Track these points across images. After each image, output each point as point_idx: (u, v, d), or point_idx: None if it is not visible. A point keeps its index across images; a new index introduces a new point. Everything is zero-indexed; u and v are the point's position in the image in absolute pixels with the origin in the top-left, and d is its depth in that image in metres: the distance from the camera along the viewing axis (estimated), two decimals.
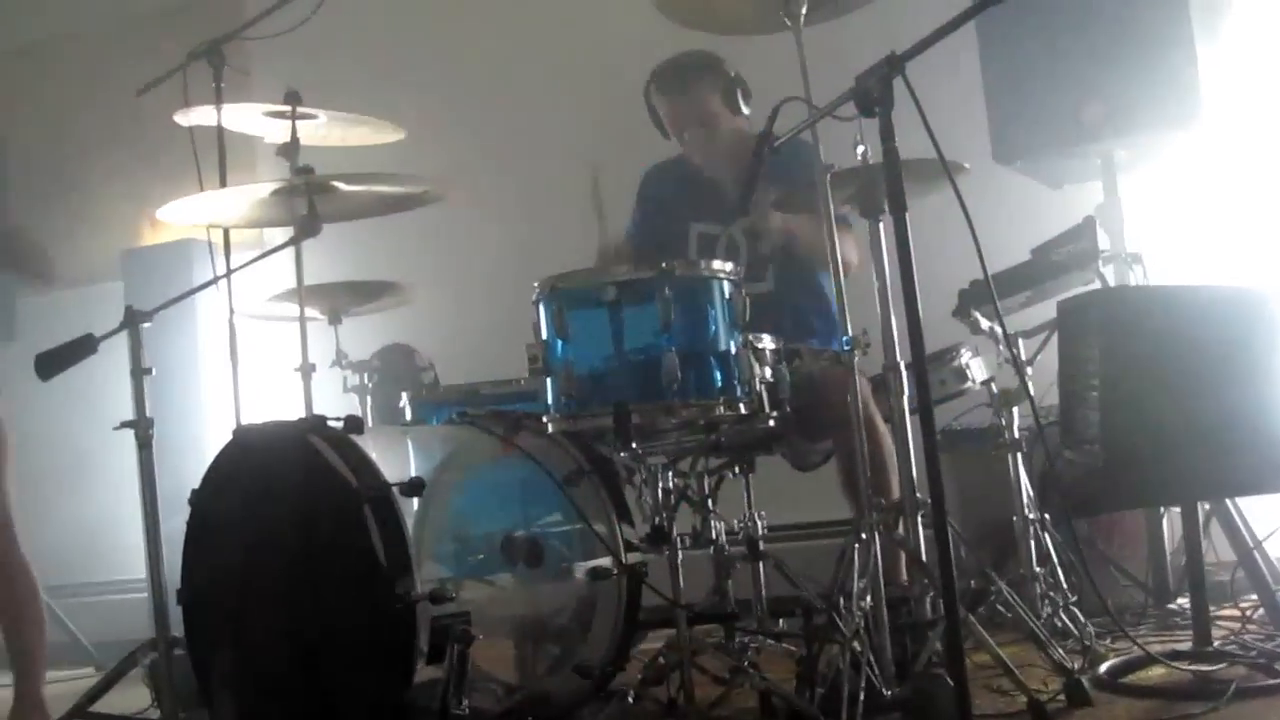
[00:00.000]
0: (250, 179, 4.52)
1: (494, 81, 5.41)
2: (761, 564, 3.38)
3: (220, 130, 3.41)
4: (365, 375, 3.97)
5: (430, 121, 5.04)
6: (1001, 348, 3.35)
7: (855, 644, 2.67)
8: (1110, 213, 3.89)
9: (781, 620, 3.32)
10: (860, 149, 3.01)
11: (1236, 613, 3.34)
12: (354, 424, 2.75)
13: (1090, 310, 3.00)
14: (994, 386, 3.49)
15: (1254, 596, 3.36)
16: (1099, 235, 3.31)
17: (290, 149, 3.50)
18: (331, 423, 2.73)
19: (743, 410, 2.77)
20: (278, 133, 3.56)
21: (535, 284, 2.83)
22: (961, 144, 4.12)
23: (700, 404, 2.72)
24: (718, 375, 2.75)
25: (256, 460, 2.78)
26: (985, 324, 3.32)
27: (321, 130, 3.60)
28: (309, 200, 3.08)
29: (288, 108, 3.45)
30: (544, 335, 2.80)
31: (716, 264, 2.78)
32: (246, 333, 3.62)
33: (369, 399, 3.95)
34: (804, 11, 2.89)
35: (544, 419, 2.84)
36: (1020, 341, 3.41)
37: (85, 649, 5.18)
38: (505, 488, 3.15)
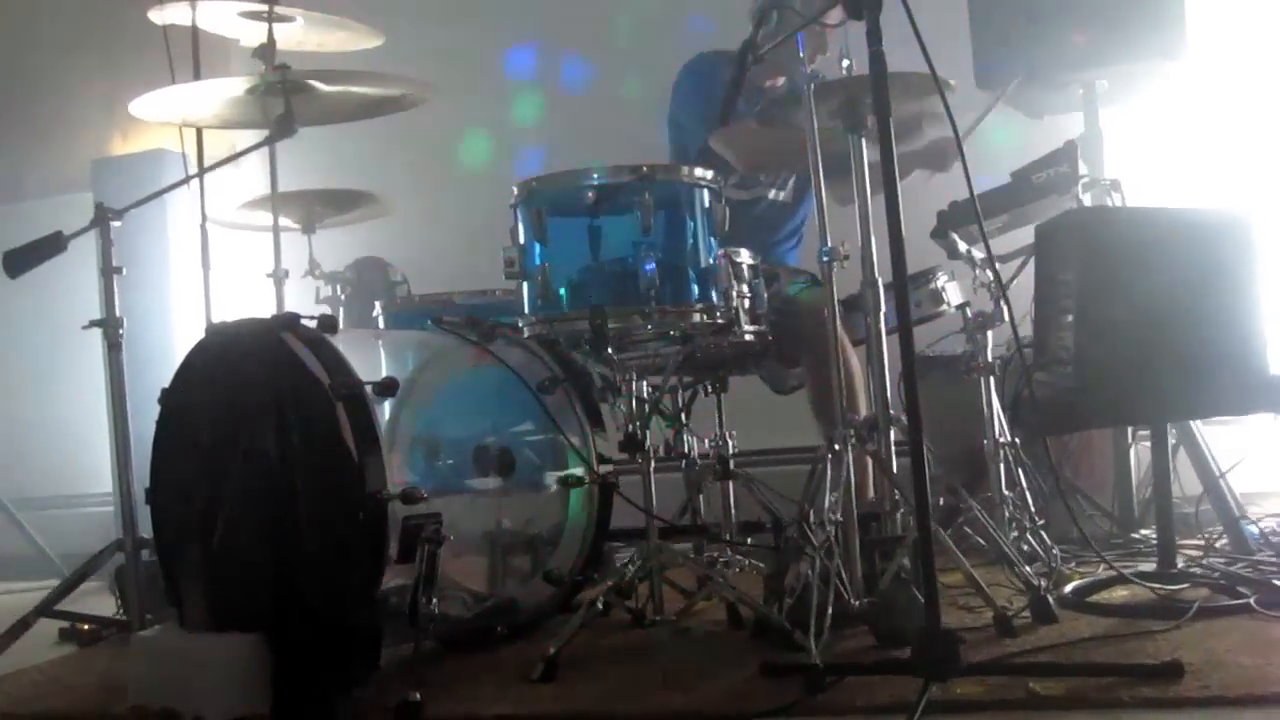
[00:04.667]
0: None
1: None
2: (732, 483, 3.41)
3: (195, 30, 3.34)
4: (338, 287, 3.94)
5: (410, 26, 4.98)
6: (978, 271, 3.35)
7: (823, 557, 2.68)
8: (1091, 143, 3.88)
9: (751, 539, 3.33)
10: (845, 62, 3.00)
11: (1201, 543, 3.40)
12: (328, 323, 2.72)
13: (1068, 230, 3.01)
14: (969, 310, 3.48)
15: (1219, 528, 3.41)
16: (1079, 161, 3.30)
17: (266, 52, 3.44)
18: (305, 321, 2.70)
19: (719, 320, 2.76)
20: (254, 34, 3.51)
21: (514, 187, 2.80)
22: (944, 70, 4.15)
23: (677, 309, 2.70)
24: (695, 284, 2.74)
25: (228, 358, 2.73)
26: (963, 246, 3.31)
27: (299, 33, 3.55)
28: (285, 99, 3.03)
29: (264, 8, 3.39)
30: (521, 239, 2.78)
31: (698, 171, 2.75)
32: (219, 238, 3.59)
33: (341, 311, 3.92)
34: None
35: (519, 324, 2.82)
36: (997, 266, 3.40)
37: (53, 562, 5.16)
38: (478, 396, 3.13)
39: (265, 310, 3.58)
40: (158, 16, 3.41)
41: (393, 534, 2.53)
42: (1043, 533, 3.28)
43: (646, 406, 2.85)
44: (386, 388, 2.64)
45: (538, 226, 2.72)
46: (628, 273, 2.65)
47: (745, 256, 2.95)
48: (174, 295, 5.02)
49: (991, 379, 3.38)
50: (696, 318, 2.73)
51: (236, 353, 2.73)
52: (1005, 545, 2.95)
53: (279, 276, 3.52)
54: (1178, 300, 2.71)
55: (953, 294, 3.51)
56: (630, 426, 2.81)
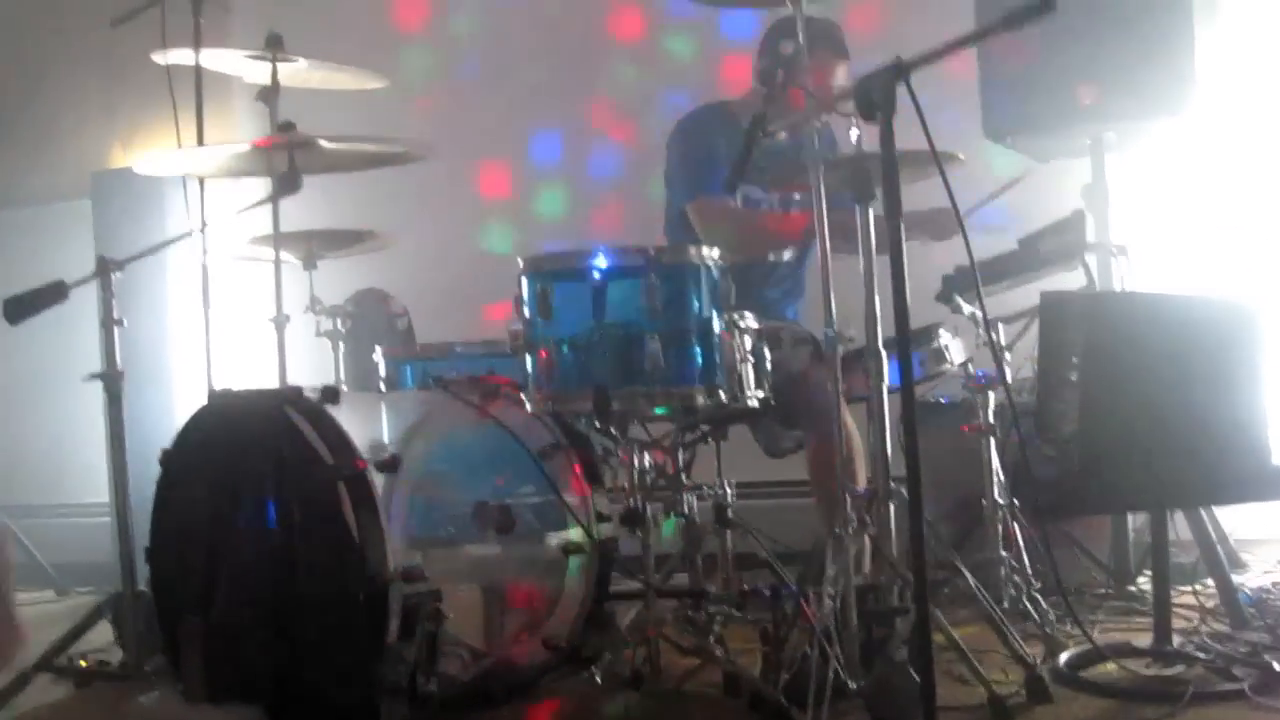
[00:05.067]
0: (227, 117, 4.44)
1: (481, 29, 5.29)
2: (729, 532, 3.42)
3: (199, 73, 3.30)
4: (338, 320, 3.92)
5: (415, 64, 4.98)
6: (981, 331, 3.35)
7: (822, 637, 2.69)
8: (1096, 193, 3.87)
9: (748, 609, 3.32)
10: (855, 133, 2.99)
11: (1196, 601, 3.41)
12: (330, 394, 2.72)
13: (1072, 310, 3.00)
14: (971, 368, 3.49)
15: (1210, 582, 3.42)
16: (1086, 230, 3.29)
17: (270, 94, 3.41)
18: (308, 392, 2.70)
19: (723, 398, 2.76)
20: (258, 74, 3.47)
21: (520, 259, 2.80)
22: (953, 114, 4.14)
23: (680, 391, 2.70)
24: (699, 362, 2.74)
25: (231, 427, 2.75)
26: (967, 309, 3.32)
27: (303, 72, 3.51)
28: (289, 157, 3.00)
29: (269, 53, 3.35)
30: (526, 312, 2.77)
31: (704, 251, 2.74)
32: (219, 275, 3.56)
33: (341, 345, 3.90)
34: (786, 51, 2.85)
35: (522, 396, 2.82)
36: (1000, 326, 3.41)
37: (45, 571, 5.17)
38: (479, 454, 3.13)
39: (266, 352, 3.62)
40: (161, 58, 3.38)
41: (393, 613, 2.54)
42: (1038, 596, 3.30)
43: (648, 478, 2.85)
44: (389, 465, 2.65)
45: (543, 303, 2.72)
46: (632, 352, 2.64)
47: (749, 321, 2.95)
48: (171, 333, 5.03)
49: (992, 439, 3.39)
50: (700, 399, 2.72)
51: (239, 423, 2.73)
52: (999, 619, 2.95)
53: (280, 321, 3.50)
54: (1182, 388, 2.71)
55: (955, 352, 3.51)
56: (631, 500, 2.80)
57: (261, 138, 3.05)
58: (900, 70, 2.24)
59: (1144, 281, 3.51)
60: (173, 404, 4.91)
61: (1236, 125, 3.95)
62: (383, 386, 3.42)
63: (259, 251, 3.81)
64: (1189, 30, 3.60)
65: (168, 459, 2.85)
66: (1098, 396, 2.77)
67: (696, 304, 2.73)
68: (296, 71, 3.47)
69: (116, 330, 3.14)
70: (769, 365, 3.02)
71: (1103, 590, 3.72)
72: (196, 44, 3.36)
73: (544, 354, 2.72)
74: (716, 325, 2.76)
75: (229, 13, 3.69)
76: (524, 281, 2.77)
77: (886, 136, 2.27)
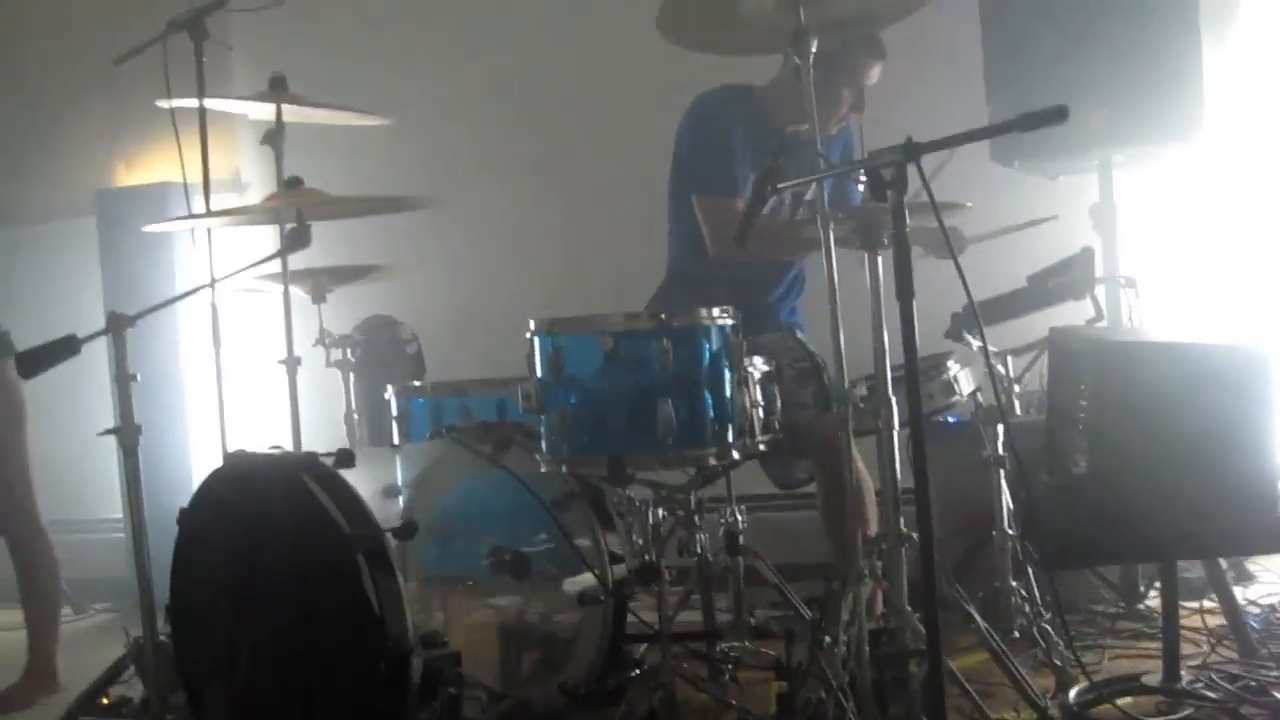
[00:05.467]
0: (230, 149, 4.42)
1: (486, 67, 5.26)
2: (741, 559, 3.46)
3: (202, 117, 3.30)
4: (348, 350, 3.92)
5: (418, 101, 4.94)
6: (988, 368, 3.37)
7: (837, 688, 2.73)
8: (1104, 213, 3.87)
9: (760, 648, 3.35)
10: (862, 186, 2.99)
11: (1203, 623, 3.44)
12: (345, 458, 2.74)
13: (1081, 347, 3.02)
14: (980, 397, 3.50)
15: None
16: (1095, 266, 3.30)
17: (275, 136, 3.41)
18: (323, 457, 2.72)
19: (735, 457, 2.78)
20: (261, 111, 3.48)
21: (531, 321, 2.81)
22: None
23: (694, 454, 2.73)
24: (712, 423, 2.75)
25: (247, 492, 2.77)
26: (976, 345, 3.33)
27: (307, 112, 3.51)
28: (298, 214, 3.01)
29: (272, 95, 3.35)
30: (538, 373, 2.79)
31: (715, 312, 2.75)
32: (229, 310, 3.56)
33: (352, 376, 3.91)
34: (813, 49, 2.82)
35: (535, 456, 2.84)
36: (1010, 358, 3.43)
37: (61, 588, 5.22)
38: (493, 501, 3.15)
39: (277, 391, 3.65)
40: (165, 104, 3.37)
41: (414, 680, 2.58)
42: (1048, 626, 3.33)
43: (662, 530, 2.88)
44: (407, 530, 2.67)
45: (555, 365, 2.73)
46: (645, 416, 2.66)
47: (758, 365, 2.96)
48: (184, 364, 5.10)
49: (1002, 471, 3.41)
50: (713, 460, 2.75)
51: (256, 488, 2.76)
52: (1009, 662, 2.99)
53: (291, 364, 3.52)
54: (1190, 438, 2.73)
55: (965, 382, 3.51)
56: (646, 556, 2.84)
57: (269, 194, 3.05)
58: (911, 152, 2.25)
59: (1152, 314, 3.51)
60: (187, 447, 5.06)
61: (1247, 150, 3.92)
62: (395, 430, 3.43)
63: (267, 286, 3.82)
64: (1198, 56, 3.59)
65: (185, 519, 2.88)
66: (1106, 447, 2.79)
67: (708, 365, 2.74)
68: (300, 110, 3.47)
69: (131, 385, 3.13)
70: (778, 403, 3.04)
71: (1112, 609, 3.76)
72: (200, 90, 3.35)
73: (556, 416, 2.73)
74: (728, 384, 2.77)
75: (231, 50, 3.65)
76: (535, 341, 2.78)
77: (899, 217, 2.29)
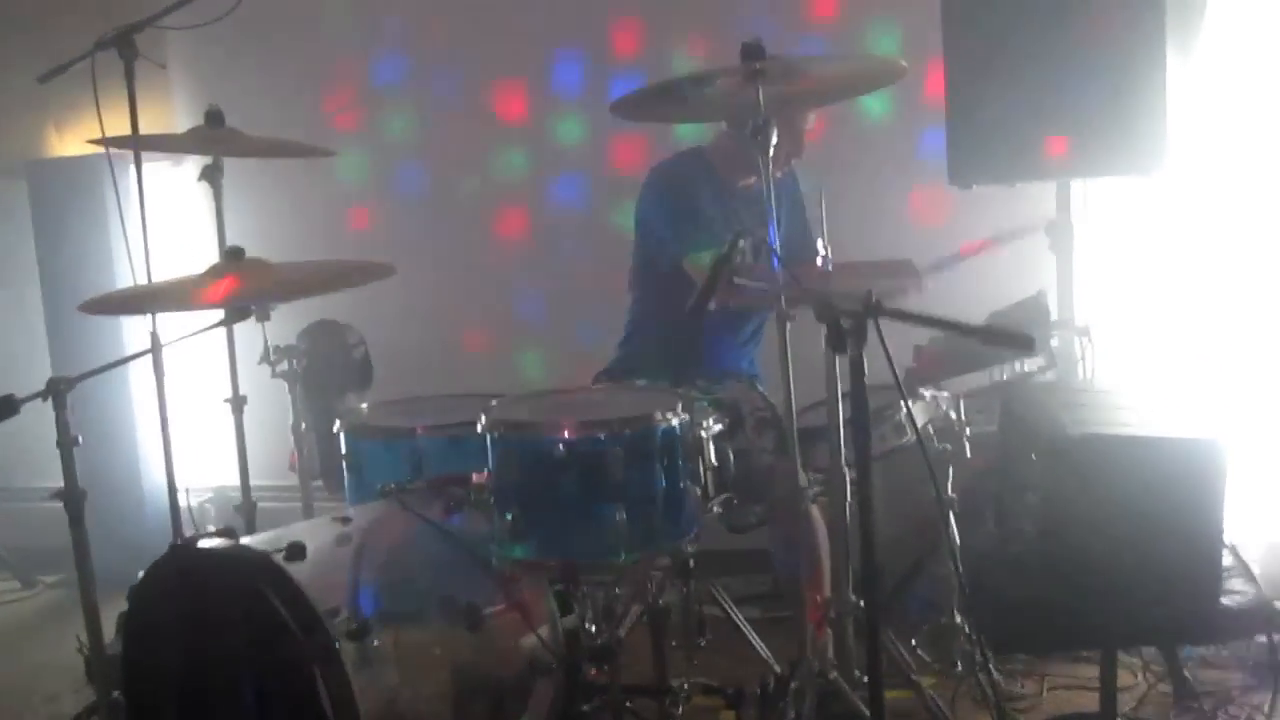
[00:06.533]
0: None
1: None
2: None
3: (138, 159, 3.15)
4: (293, 361, 3.84)
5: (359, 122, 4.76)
6: (944, 408, 3.38)
7: None
8: (1061, 231, 3.83)
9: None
10: (820, 258, 2.95)
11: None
12: (296, 551, 2.72)
13: (1034, 405, 3.05)
14: (932, 428, 3.51)
15: None
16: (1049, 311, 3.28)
17: (213, 173, 3.28)
18: (274, 555, 2.69)
19: (689, 550, 2.79)
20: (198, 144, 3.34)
21: (482, 415, 2.77)
22: (920, 153, 4.06)
23: (649, 556, 2.73)
24: (666, 523, 2.74)
25: (197, 586, 2.74)
26: (929, 394, 3.34)
27: (243, 142, 3.37)
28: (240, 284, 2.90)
29: (210, 134, 3.21)
30: (490, 466, 2.76)
31: (669, 415, 2.71)
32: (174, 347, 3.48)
33: (299, 389, 3.84)
34: (772, 148, 2.74)
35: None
36: (961, 401, 3.43)
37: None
38: (444, 558, 3.12)
39: (223, 430, 3.60)
40: (99, 145, 3.23)
41: None
42: (991, 668, 3.41)
43: (617, 611, 2.89)
44: (357, 634, 2.67)
45: (506, 467, 2.71)
46: (598, 523, 2.65)
47: (712, 426, 2.94)
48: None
49: (952, 514, 3.44)
50: (668, 560, 2.75)
51: (205, 583, 2.73)
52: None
53: (237, 403, 3.46)
54: (1140, 527, 2.76)
55: (917, 415, 3.51)
56: (600, 639, 2.86)
57: (211, 266, 2.94)
58: (872, 311, 2.20)
59: (1106, 365, 3.51)
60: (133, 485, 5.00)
61: (1209, 178, 3.87)
62: (344, 470, 3.39)
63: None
64: (1162, 87, 3.49)
65: (133, 600, 2.85)
66: (1054, 529, 2.83)
67: (662, 465, 2.71)
68: (236, 143, 3.33)
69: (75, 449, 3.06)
70: (731, 458, 3.04)
71: None
72: (134, 123, 3.19)
73: (506, 516, 2.72)
74: (682, 476, 2.76)
75: (164, 68, 3.46)
76: (489, 441, 2.74)
77: (857, 374, 2.25)
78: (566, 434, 2.63)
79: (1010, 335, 1.94)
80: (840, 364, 2.79)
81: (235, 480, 3.72)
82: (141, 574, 2.82)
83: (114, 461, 5.02)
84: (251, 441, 3.77)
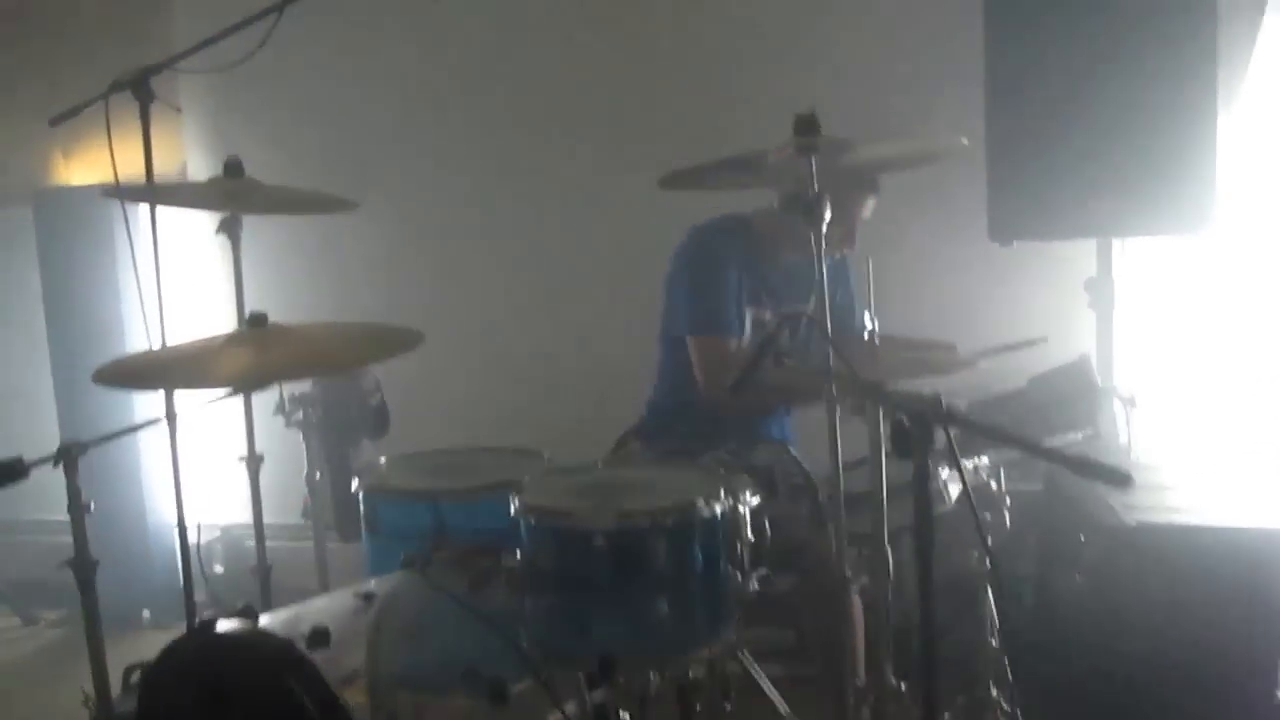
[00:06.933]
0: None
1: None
2: None
3: (153, 210, 3.02)
4: (307, 410, 3.73)
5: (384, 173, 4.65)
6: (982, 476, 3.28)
7: None
8: (1102, 288, 3.73)
9: None
10: (867, 331, 2.85)
11: None
12: (319, 638, 2.61)
13: (1081, 512, 2.95)
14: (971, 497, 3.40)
15: None
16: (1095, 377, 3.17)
17: (231, 225, 3.16)
18: (298, 642, 2.58)
19: (733, 639, 2.69)
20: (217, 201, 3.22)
21: (514, 498, 2.66)
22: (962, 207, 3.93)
23: (691, 653, 2.63)
24: (708, 617, 2.64)
25: (214, 666, 2.64)
26: (970, 464, 3.23)
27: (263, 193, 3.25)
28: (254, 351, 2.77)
29: (228, 184, 3.09)
30: (525, 554, 2.65)
31: (717, 506, 2.60)
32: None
33: (317, 441, 3.72)
34: (827, 217, 2.62)
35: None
36: (1001, 470, 3.32)
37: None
38: (469, 631, 3.03)
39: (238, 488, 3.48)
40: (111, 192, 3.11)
41: None
42: None
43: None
44: None
45: (543, 557, 2.60)
46: (638, 617, 2.55)
47: (747, 501, 2.83)
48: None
49: (988, 586, 3.34)
50: (705, 651, 2.65)
51: (223, 668, 2.62)
52: None
53: (253, 465, 3.34)
54: (1195, 618, 2.68)
55: (953, 486, 3.41)
56: None
57: (233, 344, 2.80)
58: (942, 418, 2.09)
59: (1152, 433, 3.40)
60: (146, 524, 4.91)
61: (1252, 236, 3.76)
62: (363, 529, 3.27)
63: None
64: (1212, 144, 3.40)
65: (149, 676, 2.75)
66: (1107, 622, 2.75)
67: (704, 556, 2.60)
68: (257, 198, 3.21)
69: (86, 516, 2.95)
70: (768, 530, 2.94)
71: None
72: (149, 173, 3.07)
73: (541, 605, 2.61)
74: (723, 560, 2.65)
75: (179, 112, 3.34)
76: (523, 526, 2.63)
77: (921, 483, 2.14)
78: (606, 524, 2.52)
79: (1104, 470, 1.81)
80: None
81: (244, 519, 3.61)
82: (158, 654, 2.73)
83: (119, 494, 4.89)
84: (264, 483, 3.67)
